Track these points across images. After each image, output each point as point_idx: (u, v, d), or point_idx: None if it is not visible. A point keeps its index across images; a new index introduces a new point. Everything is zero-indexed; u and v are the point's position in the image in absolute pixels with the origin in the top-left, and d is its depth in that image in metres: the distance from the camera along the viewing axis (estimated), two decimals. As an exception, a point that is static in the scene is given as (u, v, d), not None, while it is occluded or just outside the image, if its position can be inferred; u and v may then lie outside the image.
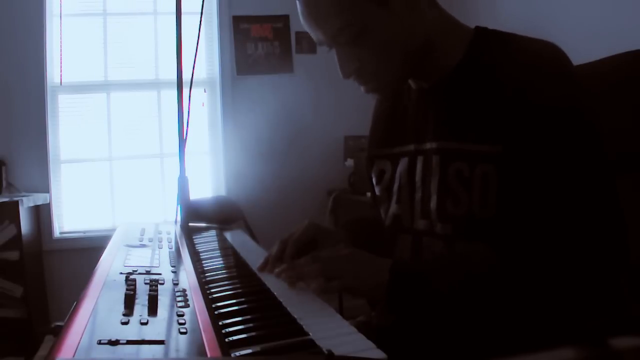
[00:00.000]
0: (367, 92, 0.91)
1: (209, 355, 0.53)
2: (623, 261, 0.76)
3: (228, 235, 1.36)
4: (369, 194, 1.13)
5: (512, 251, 0.79)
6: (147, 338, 0.55)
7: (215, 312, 0.68)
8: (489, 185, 0.81)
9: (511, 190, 0.80)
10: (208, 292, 0.78)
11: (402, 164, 0.98)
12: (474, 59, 0.87)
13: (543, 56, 0.82)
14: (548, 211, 0.77)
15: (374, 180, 1.06)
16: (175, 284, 0.79)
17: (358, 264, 0.82)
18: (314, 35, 0.88)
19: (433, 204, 0.89)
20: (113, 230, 1.34)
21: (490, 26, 0.90)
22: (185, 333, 0.58)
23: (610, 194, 0.78)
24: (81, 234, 3.23)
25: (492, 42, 0.87)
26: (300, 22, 0.88)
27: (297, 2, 0.86)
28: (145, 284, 0.76)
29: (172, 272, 0.87)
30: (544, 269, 0.76)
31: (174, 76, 1.49)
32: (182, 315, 0.64)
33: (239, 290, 0.82)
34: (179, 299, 0.71)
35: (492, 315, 0.77)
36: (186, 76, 1.48)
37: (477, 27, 0.90)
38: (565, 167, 0.77)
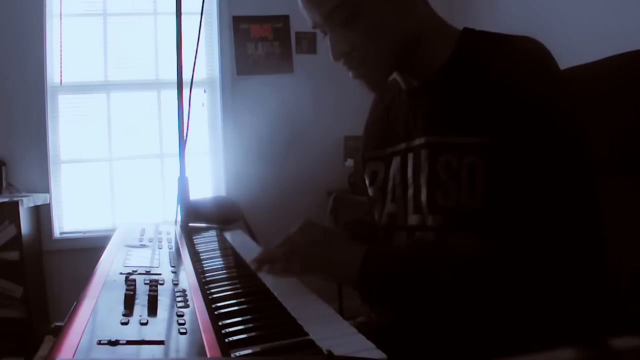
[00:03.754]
0: (355, 78, 0.93)
1: (208, 355, 0.53)
2: (596, 250, 0.76)
3: (228, 235, 1.35)
4: (368, 194, 1.13)
5: (499, 241, 0.80)
6: (147, 338, 0.55)
7: (215, 313, 0.68)
8: (477, 176, 0.82)
9: (497, 181, 0.81)
10: (208, 292, 0.78)
11: (395, 163, 0.99)
12: (462, 57, 0.89)
13: (525, 52, 0.84)
14: (524, 201, 0.79)
15: (367, 182, 1.07)
16: (175, 284, 0.79)
17: (331, 248, 0.84)
18: (310, 16, 0.90)
19: (424, 197, 0.90)
20: (113, 230, 1.34)
21: (490, 26, 0.92)
22: (185, 333, 0.58)
23: (579, 187, 0.78)
24: (81, 234, 3.23)
25: (478, 41, 0.89)
26: (299, 8, 0.90)
27: None
28: (145, 284, 0.76)
29: (172, 272, 0.87)
30: (525, 260, 0.76)
31: (174, 76, 1.49)
32: (182, 316, 0.64)
33: (239, 291, 0.82)
34: (178, 299, 0.71)
35: (475, 305, 0.77)
36: (186, 76, 1.48)
37: (465, 28, 0.92)
38: (536, 159, 0.78)
